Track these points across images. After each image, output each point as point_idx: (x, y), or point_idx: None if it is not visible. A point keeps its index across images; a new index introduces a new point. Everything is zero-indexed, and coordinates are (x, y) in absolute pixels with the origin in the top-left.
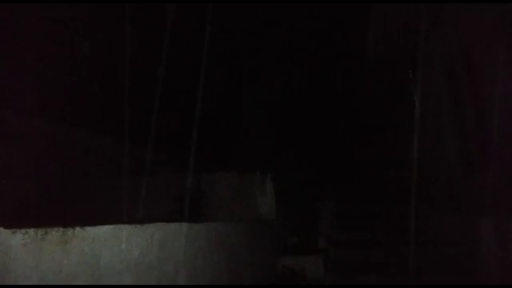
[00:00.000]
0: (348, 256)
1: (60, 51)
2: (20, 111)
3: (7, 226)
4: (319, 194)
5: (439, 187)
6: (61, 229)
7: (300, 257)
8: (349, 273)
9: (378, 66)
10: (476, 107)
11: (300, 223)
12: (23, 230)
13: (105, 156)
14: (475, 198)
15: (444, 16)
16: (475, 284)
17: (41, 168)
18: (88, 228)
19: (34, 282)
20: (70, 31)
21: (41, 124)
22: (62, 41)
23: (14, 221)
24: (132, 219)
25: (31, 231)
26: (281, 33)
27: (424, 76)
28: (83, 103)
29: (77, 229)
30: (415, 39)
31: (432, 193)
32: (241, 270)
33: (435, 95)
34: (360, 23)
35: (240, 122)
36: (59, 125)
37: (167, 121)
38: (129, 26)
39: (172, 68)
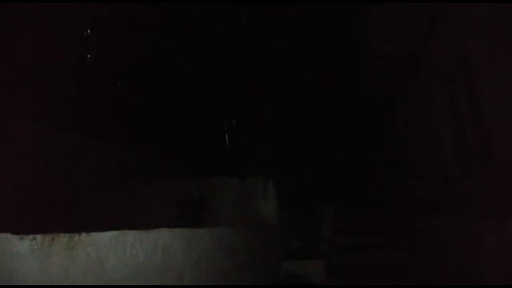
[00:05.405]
0: (350, 259)
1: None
2: (27, 118)
3: (14, 232)
4: (321, 199)
5: (439, 190)
6: (67, 235)
7: (302, 261)
8: (351, 276)
9: (379, 70)
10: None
11: (302, 228)
12: (30, 236)
13: (109, 162)
14: (475, 201)
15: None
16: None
17: (47, 175)
18: (93, 234)
19: None
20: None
21: (47, 131)
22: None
23: (22, 227)
24: (136, 225)
25: (39, 237)
26: (281, 36)
27: (422, 80)
28: (86, 109)
29: (83, 235)
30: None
31: (432, 196)
32: (244, 275)
33: (434, 99)
34: (361, 26)
35: (241, 127)
36: (64, 132)
37: (170, 127)
38: (128, 30)
39: (174, 74)
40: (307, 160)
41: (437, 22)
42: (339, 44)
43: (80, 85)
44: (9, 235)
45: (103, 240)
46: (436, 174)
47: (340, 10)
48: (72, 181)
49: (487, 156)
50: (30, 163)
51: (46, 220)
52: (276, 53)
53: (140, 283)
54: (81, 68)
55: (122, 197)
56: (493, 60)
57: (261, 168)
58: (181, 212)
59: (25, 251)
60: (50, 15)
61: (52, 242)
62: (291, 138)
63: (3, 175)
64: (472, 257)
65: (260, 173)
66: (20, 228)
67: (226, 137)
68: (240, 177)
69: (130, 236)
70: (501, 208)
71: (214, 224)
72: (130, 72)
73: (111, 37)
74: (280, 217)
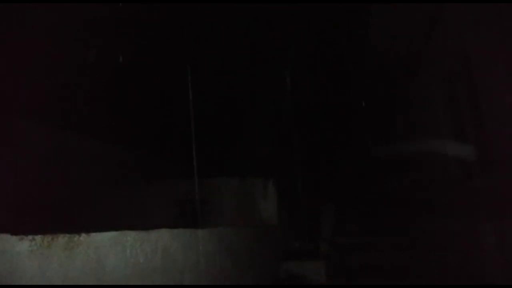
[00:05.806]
0: (350, 260)
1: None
2: (27, 118)
3: (14, 232)
4: (321, 199)
5: (438, 191)
6: (67, 235)
7: (302, 261)
8: (351, 277)
9: (379, 70)
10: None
11: (302, 228)
12: (30, 237)
13: (109, 162)
14: (475, 201)
15: (444, 19)
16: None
17: (47, 175)
18: (93, 234)
19: None
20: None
21: (47, 131)
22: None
23: (22, 228)
24: (136, 225)
25: (38, 237)
26: (281, 36)
27: (423, 80)
28: (87, 110)
29: (83, 235)
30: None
31: (432, 196)
32: (244, 275)
33: (434, 99)
34: (361, 29)
35: (241, 127)
36: (64, 132)
37: (170, 128)
38: (128, 32)
39: (174, 74)
40: (307, 160)
41: (437, 22)
42: (339, 44)
43: (80, 85)
44: (8, 235)
45: (102, 241)
46: (436, 174)
47: (340, 10)
48: (72, 181)
49: (487, 157)
50: (30, 163)
51: (46, 220)
52: (276, 53)
53: (140, 284)
54: (81, 68)
55: (122, 197)
56: (493, 60)
57: (261, 168)
58: (181, 212)
59: (24, 252)
60: (50, 15)
61: (51, 242)
62: (291, 138)
63: (3, 175)
64: (472, 257)
65: (260, 173)
66: (20, 228)
67: (227, 137)
68: (240, 177)
69: (130, 236)
70: (501, 208)
71: (214, 224)
72: (130, 72)
73: (111, 37)
74: (280, 217)
